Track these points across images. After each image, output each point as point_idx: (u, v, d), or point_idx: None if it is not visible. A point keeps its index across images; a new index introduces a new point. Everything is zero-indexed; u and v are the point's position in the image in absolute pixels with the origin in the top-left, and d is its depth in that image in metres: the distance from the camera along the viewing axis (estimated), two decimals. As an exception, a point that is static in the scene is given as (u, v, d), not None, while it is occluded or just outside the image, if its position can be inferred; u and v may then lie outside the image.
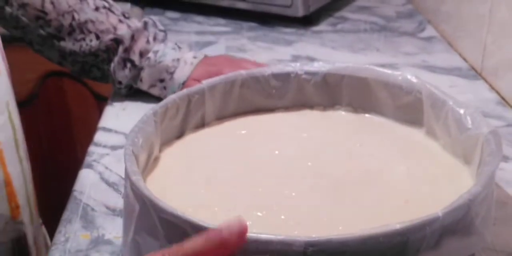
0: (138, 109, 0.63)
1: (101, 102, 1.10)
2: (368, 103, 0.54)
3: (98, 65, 0.67)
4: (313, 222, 0.41)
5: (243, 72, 0.54)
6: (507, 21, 0.62)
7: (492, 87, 0.66)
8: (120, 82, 0.66)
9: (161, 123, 0.48)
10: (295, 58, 0.74)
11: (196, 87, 0.52)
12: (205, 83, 0.52)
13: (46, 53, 0.70)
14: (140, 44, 0.65)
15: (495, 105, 0.62)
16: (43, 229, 0.61)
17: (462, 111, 0.46)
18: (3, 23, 0.69)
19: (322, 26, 0.84)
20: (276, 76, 0.54)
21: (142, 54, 0.65)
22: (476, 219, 0.37)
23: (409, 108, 0.51)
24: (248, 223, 0.32)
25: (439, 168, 0.47)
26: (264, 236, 0.33)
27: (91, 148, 0.55)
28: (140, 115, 0.60)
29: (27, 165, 0.58)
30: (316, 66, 0.54)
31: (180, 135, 0.52)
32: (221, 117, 0.54)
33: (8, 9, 0.66)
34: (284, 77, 0.54)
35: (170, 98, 0.50)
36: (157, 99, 0.64)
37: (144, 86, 0.66)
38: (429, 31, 0.81)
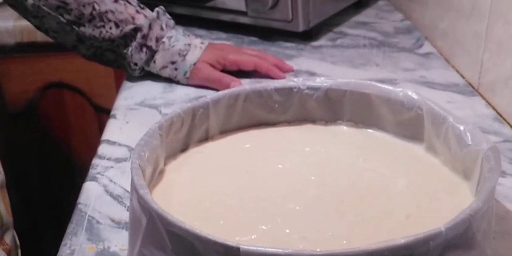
0: (141, 122, 0.63)
1: (100, 113, 1.10)
2: (369, 118, 0.55)
3: (113, 49, 0.72)
4: (318, 236, 0.41)
5: (246, 86, 0.55)
6: (504, 39, 0.63)
7: (488, 103, 0.67)
8: (136, 64, 0.72)
9: (166, 137, 0.49)
10: (296, 73, 0.75)
11: (200, 101, 0.53)
12: (210, 97, 0.53)
13: (60, 38, 0.73)
14: (155, 31, 0.71)
15: (492, 121, 0.63)
16: (14, 233, 0.63)
17: (462, 128, 0.47)
18: (23, 13, 0.71)
19: (322, 41, 0.85)
20: (279, 90, 0.55)
21: (157, 40, 0.71)
22: (477, 234, 0.38)
23: (410, 123, 0.52)
24: (253, 236, 0.32)
25: (439, 183, 0.48)
26: (271, 250, 0.33)
27: (95, 161, 0.56)
28: (143, 128, 0.61)
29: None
30: (318, 81, 0.55)
31: (184, 148, 0.53)
32: (225, 131, 0.55)
33: (30, 0, 0.68)
34: (287, 92, 0.55)
35: (175, 112, 0.51)
36: (160, 113, 0.65)
37: (156, 67, 0.72)
38: (427, 47, 0.82)
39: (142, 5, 0.72)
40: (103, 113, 1.09)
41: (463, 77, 0.73)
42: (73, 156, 1.14)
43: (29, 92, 1.06)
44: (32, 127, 1.10)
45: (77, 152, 1.14)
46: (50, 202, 1.14)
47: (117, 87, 1.08)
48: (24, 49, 1.01)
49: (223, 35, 0.89)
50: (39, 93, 1.08)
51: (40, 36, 0.74)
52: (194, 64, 0.71)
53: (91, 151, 1.13)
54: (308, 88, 0.55)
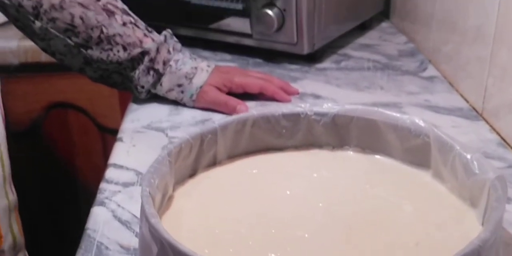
0: (148, 145, 0.64)
1: (104, 133, 1.11)
2: (376, 144, 0.55)
3: (120, 72, 0.73)
4: (327, 264, 0.42)
5: (254, 112, 0.56)
6: (508, 65, 0.64)
7: (493, 128, 0.67)
8: (142, 86, 0.72)
9: (175, 163, 0.49)
10: (301, 96, 0.75)
11: (208, 126, 0.53)
12: (218, 122, 0.54)
13: (67, 61, 0.73)
14: (163, 55, 0.72)
15: (496, 146, 0.64)
16: (26, 253, 0.63)
17: (469, 156, 0.47)
18: (30, 36, 0.72)
19: (326, 64, 0.86)
20: (286, 116, 0.56)
21: (165, 63, 0.71)
22: (486, 264, 0.38)
23: (416, 150, 0.52)
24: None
25: (446, 211, 0.48)
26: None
27: (103, 185, 0.56)
28: (151, 152, 0.62)
29: (12, 197, 0.61)
30: (325, 107, 0.56)
31: (192, 173, 0.53)
32: (232, 156, 0.55)
33: (38, 23, 0.69)
34: (294, 118, 0.56)
35: (184, 138, 0.51)
36: (166, 136, 0.65)
37: (163, 90, 0.73)
38: (431, 71, 0.83)
39: (149, 29, 0.73)
40: (107, 133, 1.10)
41: (467, 101, 0.74)
42: (77, 176, 1.15)
43: (33, 111, 1.06)
44: (36, 146, 1.10)
45: (81, 172, 1.14)
46: (54, 222, 1.14)
47: (121, 107, 1.09)
48: (28, 69, 1.01)
49: (227, 56, 0.89)
50: (43, 113, 1.08)
51: (44, 56, 0.75)
52: (201, 87, 0.71)
53: (95, 171, 1.14)
54: (315, 114, 0.56)
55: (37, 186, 1.12)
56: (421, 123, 0.52)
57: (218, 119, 0.68)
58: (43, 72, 1.02)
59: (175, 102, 0.73)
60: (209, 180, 0.52)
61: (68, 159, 1.13)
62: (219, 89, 0.72)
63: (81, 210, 1.16)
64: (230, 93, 0.73)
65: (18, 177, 1.00)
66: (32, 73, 1.02)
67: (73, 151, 1.12)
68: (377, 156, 0.55)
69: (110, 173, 0.58)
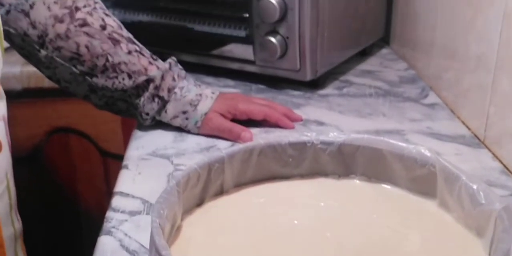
0: (153, 173, 0.64)
1: (106, 158, 1.11)
2: (382, 173, 0.55)
3: (125, 99, 0.73)
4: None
5: (261, 141, 0.56)
6: (510, 94, 0.65)
7: (495, 156, 0.68)
8: (147, 113, 0.73)
9: (183, 192, 0.49)
10: (305, 122, 0.76)
11: (215, 155, 0.54)
12: (225, 151, 0.54)
13: (72, 88, 0.74)
14: (167, 82, 0.72)
15: (499, 174, 0.64)
16: None
17: (475, 187, 0.48)
18: (35, 64, 0.73)
19: (329, 90, 0.87)
20: (292, 145, 0.56)
21: (169, 90, 0.72)
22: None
23: (422, 180, 0.53)
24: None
25: (453, 240, 0.49)
26: None
27: (109, 214, 0.56)
28: (156, 180, 0.62)
29: (18, 225, 0.61)
30: (331, 136, 0.56)
31: (200, 203, 0.53)
32: (239, 184, 0.56)
33: (43, 51, 0.69)
34: (301, 146, 0.56)
35: (192, 167, 0.52)
36: (171, 163, 0.66)
37: (167, 117, 0.73)
38: (432, 98, 0.84)
39: (154, 56, 0.74)
40: (109, 158, 1.10)
41: (469, 129, 0.74)
42: (79, 200, 1.14)
43: (35, 137, 1.06)
44: (37, 171, 1.10)
45: (82, 197, 1.14)
46: (55, 249, 1.14)
47: (124, 131, 1.09)
48: (31, 94, 1.02)
49: (230, 82, 0.90)
50: (45, 138, 1.08)
51: (47, 82, 0.75)
52: (205, 114, 0.72)
53: (97, 196, 1.14)
54: (322, 142, 0.56)
55: (38, 211, 1.12)
56: (427, 153, 0.52)
57: (224, 147, 0.69)
58: (45, 97, 1.02)
59: (179, 129, 0.74)
60: (217, 210, 0.52)
61: (70, 183, 1.13)
62: (223, 115, 0.73)
63: (83, 235, 1.15)
64: (234, 120, 0.73)
65: (19, 202, 1.00)
66: (34, 98, 1.03)
67: (75, 175, 1.12)
68: (383, 185, 0.56)
69: (116, 201, 0.58)
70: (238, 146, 0.55)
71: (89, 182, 1.12)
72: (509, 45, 0.65)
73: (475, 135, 0.72)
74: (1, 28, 0.58)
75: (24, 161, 1.06)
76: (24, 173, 1.08)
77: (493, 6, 0.68)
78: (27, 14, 0.68)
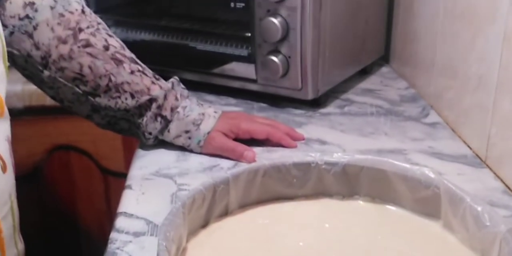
0: (157, 193, 0.64)
1: (106, 175, 1.11)
2: (386, 194, 0.56)
3: (127, 119, 0.73)
4: None
5: (265, 161, 0.56)
6: (511, 114, 0.65)
7: (497, 176, 0.68)
8: (150, 133, 0.73)
9: (188, 214, 0.50)
10: (307, 141, 0.76)
11: (221, 176, 0.54)
12: (230, 172, 0.54)
13: (75, 108, 0.74)
14: (170, 101, 0.72)
15: (501, 194, 0.64)
16: None
17: (479, 208, 0.48)
18: (39, 84, 0.73)
19: (330, 108, 0.87)
20: (297, 165, 0.57)
21: (172, 110, 0.72)
22: None
23: (427, 201, 0.53)
24: None
25: (458, 262, 0.49)
26: None
27: (114, 235, 0.56)
28: (160, 200, 0.62)
29: (21, 245, 0.61)
30: (335, 157, 0.57)
31: (205, 224, 0.53)
32: (244, 205, 0.56)
33: (46, 72, 0.70)
34: (305, 167, 0.57)
35: (197, 188, 0.52)
36: (175, 183, 0.66)
37: (170, 136, 0.73)
38: (433, 117, 0.84)
39: (157, 76, 0.74)
40: (110, 175, 1.10)
41: (470, 148, 0.75)
42: (78, 218, 1.14)
43: (36, 154, 1.06)
44: (38, 189, 1.10)
45: (82, 214, 1.14)
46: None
47: (124, 149, 1.09)
48: (33, 112, 1.02)
49: (232, 100, 0.91)
50: (45, 155, 1.08)
51: (49, 100, 0.75)
52: (208, 133, 0.72)
53: (97, 213, 1.13)
54: (326, 163, 0.57)
55: (38, 229, 1.11)
56: (431, 174, 0.53)
57: (227, 166, 0.69)
58: (47, 115, 1.03)
59: (182, 148, 0.74)
60: (222, 231, 0.53)
61: (70, 201, 1.13)
62: (226, 135, 0.73)
63: (82, 253, 1.15)
64: (236, 139, 0.73)
65: (19, 220, 0.99)
66: (36, 116, 1.03)
67: (75, 193, 1.12)
68: (388, 206, 0.56)
69: (120, 222, 0.58)
70: (243, 167, 0.55)
71: (89, 199, 1.12)
72: (510, 66, 0.65)
73: (477, 155, 0.73)
74: (5, 48, 0.59)
75: (24, 179, 1.06)
76: (23, 191, 1.08)
77: (493, 28, 0.68)
78: (30, 35, 0.68)
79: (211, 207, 0.53)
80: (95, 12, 0.93)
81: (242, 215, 0.55)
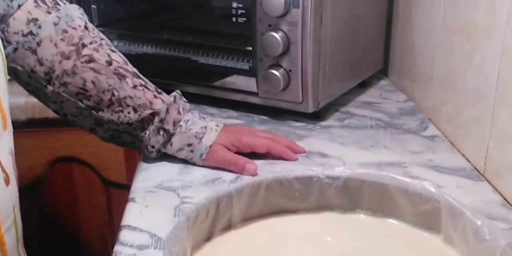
0: (160, 206, 0.64)
1: (108, 187, 1.11)
2: (387, 208, 0.57)
3: (130, 132, 0.74)
4: None
5: (268, 175, 0.57)
6: (509, 128, 0.66)
7: (495, 189, 0.69)
8: (153, 146, 0.74)
9: (192, 228, 0.50)
10: (308, 154, 0.77)
11: (224, 190, 0.55)
12: (233, 186, 0.55)
13: (79, 122, 0.75)
14: (172, 115, 0.73)
15: (499, 207, 0.65)
16: None
17: (479, 222, 0.49)
18: (43, 99, 0.74)
19: (330, 121, 0.88)
20: (299, 179, 0.58)
21: (174, 123, 0.73)
22: None
23: (427, 215, 0.54)
24: None
25: (458, 276, 0.50)
26: None
27: (118, 248, 0.57)
28: (163, 213, 0.63)
29: None
30: (337, 171, 0.58)
31: (208, 237, 0.54)
32: (247, 219, 0.57)
33: (50, 87, 0.71)
34: (307, 181, 0.58)
35: (201, 202, 0.53)
36: (178, 196, 0.67)
37: (172, 150, 0.74)
38: (431, 130, 0.85)
39: (159, 90, 0.75)
40: (111, 187, 1.11)
41: (469, 161, 0.76)
42: (80, 229, 1.14)
43: (38, 166, 1.07)
44: (39, 200, 1.10)
45: (84, 225, 1.14)
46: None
47: (126, 161, 1.10)
48: (35, 124, 1.03)
49: (234, 113, 0.92)
50: (47, 167, 1.09)
51: (51, 113, 0.76)
52: (210, 146, 0.73)
53: (98, 225, 1.14)
54: (328, 177, 0.57)
55: (39, 239, 1.11)
56: (432, 189, 0.53)
57: (229, 179, 0.70)
58: (49, 127, 1.03)
59: (185, 161, 0.74)
60: (225, 245, 0.53)
61: (71, 212, 1.13)
62: (227, 148, 0.74)
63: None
64: (238, 153, 0.74)
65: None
66: (38, 128, 1.04)
67: (76, 205, 1.12)
68: (389, 220, 0.57)
69: (124, 235, 0.59)
70: (246, 181, 0.56)
71: (90, 211, 1.12)
72: (508, 80, 0.66)
73: (475, 168, 0.74)
74: (5, 61, 0.59)
75: (26, 190, 1.06)
76: (25, 202, 1.08)
77: (491, 42, 0.70)
78: (34, 52, 0.69)
79: (215, 220, 0.54)
80: (98, 26, 0.95)
81: (245, 228, 0.56)
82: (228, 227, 0.55)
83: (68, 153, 1.08)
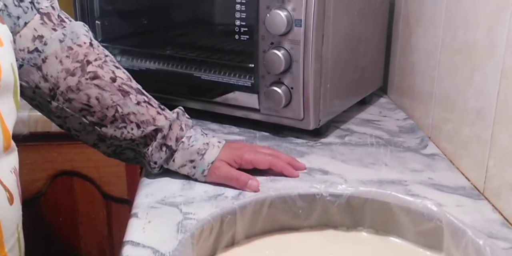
0: (163, 221, 0.65)
1: (109, 201, 1.11)
2: (389, 226, 0.57)
3: (133, 148, 0.75)
4: None
5: (271, 192, 0.58)
6: (509, 148, 0.67)
7: (495, 208, 0.70)
8: (155, 162, 0.74)
9: (196, 244, 0.51)
10: (309, 171, 0.78)
11: (228, 207, 0.55)
12: (237, 203, 0.56)
13: (82, 137, 0.76)
14: (175, 131, 0.74)
15: (500, 226, 0.66)
16: None
17: (481, 242, 0.50)
18: (47, 114, 0.75)
19: (331, 138, 0.89)
20: (302, 197, 0.58)
21: (177, 140, 0.73)
22: None
23: (429, 233, 0.54)
24: None
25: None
26: None
27: (122, 263, 0.57)
28: (166, 228, 0.63)
29: None
30: (340, 189, 0.58)
31: (212, 254, 0.54)
32: (250, 236, 0.57)
33: (54, 103, 0.71)
34: (310, 198, 0.58)
35: (205, 219, 0.53)
36: (180, 212, 0.67)
37: (175, 166, 0.75)
38: (431, 148, 0.86)
39: (162, 106, 0.76)
40: (112, 201, 1.11)
41: (469, 180, 0.76)
42: (80, 243, 1.14)
43: (39, 180, 1.07)
44: (40, 213, 1.10)
45: (84, 239, 1.14)
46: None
47: (127, 175, 1.10)
48: (38, 138, 1.03)
49: (235, 129, 0.92)
50: (48, 181, 1.09)
51: (54, 127, 0.77)
52: (212, 162, 0.73)
53: (98, 239, 1.13)
54: (331, 195, 0.58)
55: (40, 253, 1.11)
56: (434, 208, 0.54)
57: (231, 195, 0.71)
58: (51, 141, 1.04)
59: (187, 176, 0.75)
60: (229, 261, 0.54)
61: (71, 226, 1.13)
62: (229, 164, 0.74)
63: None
64: (240, 169, 0.75)
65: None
66: (40, 142, 1.04)
67: (77, 218, 1.13)
68: (391, 238, 0.57)
69: (127, 251, 0.59)
70: (249, 198, 0.57)
71: (91, 225, 1.12)
72: (508, 100, 0.67)
73: (475, 187, 0.74)
74: (18, 83, 0.60)
75: (26, 204, 1.06)
76: (25, 215, 1.08)
77: (491, 63, 0.71)
78: (39, 68, 0.70)
79: (218, 237, 0.54)
80: (102, 41, 0.96)
81: (248, 245, 0.56)
82: (232, 244, 0.56)
83: (70, 167, 1.08)
